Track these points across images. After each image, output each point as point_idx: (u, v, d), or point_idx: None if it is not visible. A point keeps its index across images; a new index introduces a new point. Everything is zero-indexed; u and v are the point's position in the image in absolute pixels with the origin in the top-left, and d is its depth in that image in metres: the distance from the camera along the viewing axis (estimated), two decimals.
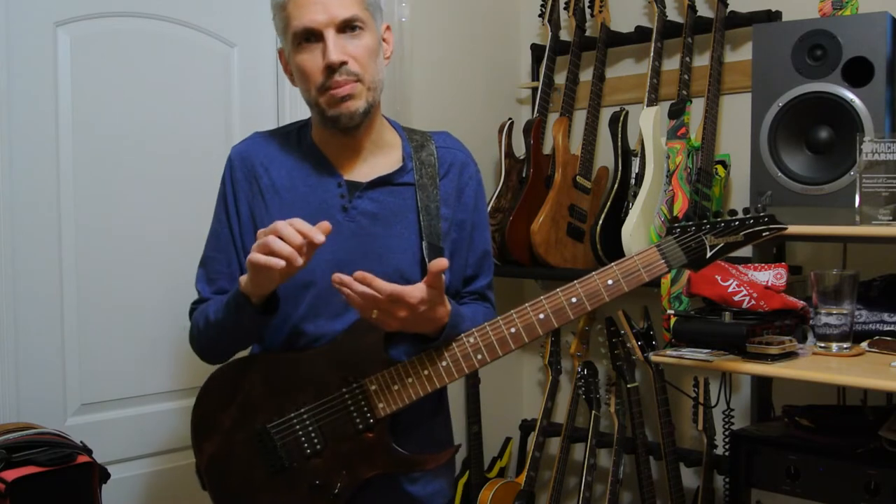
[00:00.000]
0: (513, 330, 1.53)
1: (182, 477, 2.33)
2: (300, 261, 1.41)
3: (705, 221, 1.59)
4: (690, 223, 1.58)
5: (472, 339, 1.54)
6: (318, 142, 1.66)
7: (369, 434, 1.55)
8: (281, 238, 1.41)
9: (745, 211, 1.62)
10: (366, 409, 1.54)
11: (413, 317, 1.46)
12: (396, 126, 1.72)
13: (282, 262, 1.40)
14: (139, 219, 2.24)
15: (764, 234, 1.61)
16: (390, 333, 1.55)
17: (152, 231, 2.26)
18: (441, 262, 1.43)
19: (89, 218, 2.16)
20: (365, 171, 1.63)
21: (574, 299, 1.52)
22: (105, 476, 1.88)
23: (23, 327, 2.04)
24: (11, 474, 1.68)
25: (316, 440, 1.55)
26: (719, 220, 1.59)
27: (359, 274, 1.43)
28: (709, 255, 1.57)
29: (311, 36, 1.54)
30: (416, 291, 1.44)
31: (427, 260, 1.57)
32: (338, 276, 1.44)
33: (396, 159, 1.66)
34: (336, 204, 1.61)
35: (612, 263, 1.55)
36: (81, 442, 1.88)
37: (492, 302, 1.76)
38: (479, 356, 1.53)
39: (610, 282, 1.52)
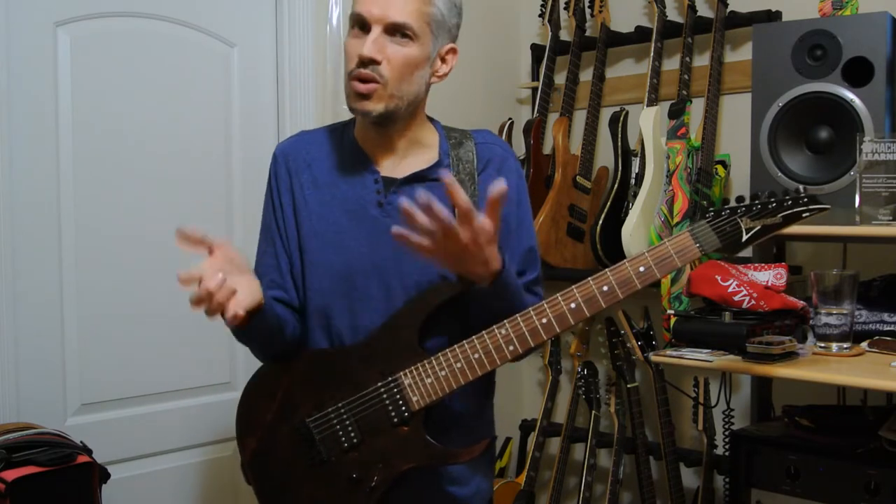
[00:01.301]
0: (544, 320, 1.52)
1: (182, 477, 2.33)
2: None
3: (741, 205, 1.54)
4: (726, 206, 1.54)
5: (503, 331, 1.53)
6: (359, 138, 1.69)
7: (404, 427, 1.56)
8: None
9: (785, 193, 1.56)
10: (401, 402, 1.56)
11: (472, 248, 1.43)
12: (437, 125, 1.73)
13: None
14: (139, 218, 2.24)
15: (804, 215, 1.54)
16: (425, 327, 1.56)
17: (152, 231, 2.26)
18: (500, 187, 1.40)
19: (89, 218, 2.16)
20: (402, 167, 1.65)
21: (605, 287, 1.50)
22: (105, 476, 1.88)
23: (23, 327, 2.04)
24: (11, 474, 1.69)
25: (353, 434, 1.57)
26: (756, 202, 1.54)
27: (423, 199, 1.39)
28: (745, 238, 1.52)
29: (363, 24, 1.57)
30: (478, 219, 1.41)
31: None
32: (406, 205, 1.40)
33: (433, 156, 1.67)
34: (372, 199, 1.63)
35: (644, 251, 1.52)
36: (81, 442, 1.89)
37: (540, 297, 1.72)
38: (511, 347, 1.53)
39: (642, 268, 1.50)
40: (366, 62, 1.55)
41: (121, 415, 2.23)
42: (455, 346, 1.55)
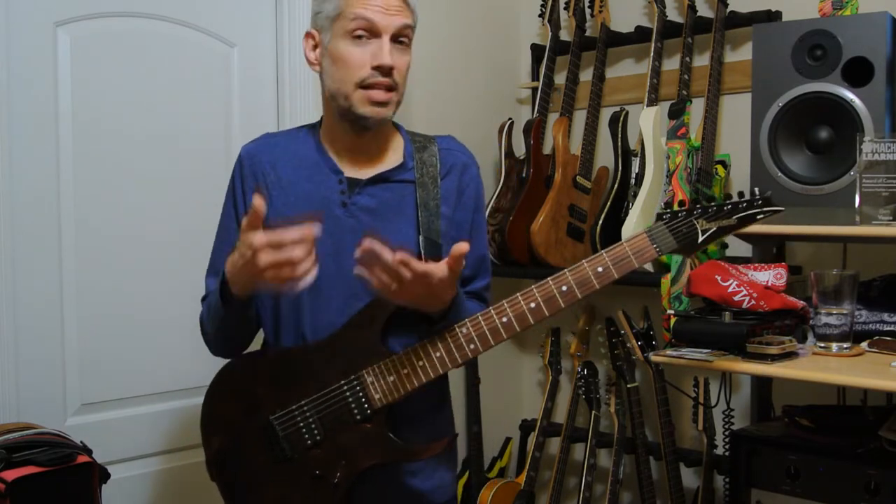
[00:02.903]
0: (504, 319, 1.55)
1: (182, 477, 2.33)
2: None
3: (697, 206, 1.59)
4: (681, 208, 1.59)
5: (464, 330, 1.57)
6: (324, 142, 1.71)
7: (367, 425, 1.58)
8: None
9: (741, 195, 1.62)
10: (363, 399, 1.58)
11: (427, 293, 1.48)
12: (401, 129, 1.76)
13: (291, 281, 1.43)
14: (139, 218, 2.24)
15: (758, 217, 1.60)
16: (388, 326, 1.59)
17: (152, 231, 2.26)
18: (462, 247, 1.45)
19: (89, 218, 2.16)
20: (366, 169, 1.68)
21: (564, 287, 1.54)
22: (105, 476, 1.88)
23: (23, 327, 2.04)
24: (11, 474, 1.69)
25: (316, 431, 1.59)
26: (711, 204, 1.59)
27: (400, 256, 1.42)
28: (700, 239, 1.57)
29: (368, 31, 1.57)
30: (439, 270, 1.45)
31: (423, 255, 1.61)
32: (368, 245, 1.41)
33: (398, 158, 1.70)
34: (336, 200, 1.65)
35: (602, 251, 1.56)
36: (81, 442, 1.89)
37: (488, 304, 1.77)
38: (472, 346, 1.57)
39: (600, 269, 1.54)
40: (388, 71, 1.57)
41: (121, 415, 2.23)
42: (416, 344, 1.58)
